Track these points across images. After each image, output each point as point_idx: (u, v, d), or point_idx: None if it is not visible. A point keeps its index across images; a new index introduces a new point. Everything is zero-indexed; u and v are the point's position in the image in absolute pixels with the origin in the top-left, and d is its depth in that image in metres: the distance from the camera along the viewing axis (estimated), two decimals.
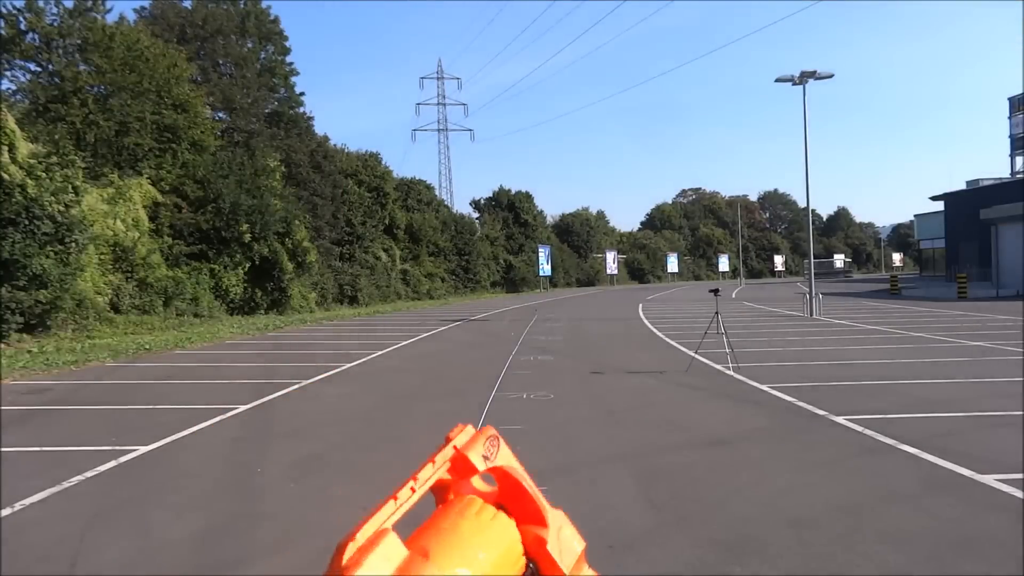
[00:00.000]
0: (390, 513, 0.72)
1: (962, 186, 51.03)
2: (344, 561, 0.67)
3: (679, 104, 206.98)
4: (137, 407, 9.02)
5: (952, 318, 19.66)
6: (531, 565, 0.81)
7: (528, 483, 0.83)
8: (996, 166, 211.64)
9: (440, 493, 0.82)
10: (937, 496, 4.93)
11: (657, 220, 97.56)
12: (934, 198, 51.93)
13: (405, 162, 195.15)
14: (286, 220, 27.33)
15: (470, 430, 0.84)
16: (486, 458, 0.81)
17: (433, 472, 0.77)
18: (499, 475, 0.83)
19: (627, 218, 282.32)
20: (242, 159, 27.48)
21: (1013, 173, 55.41)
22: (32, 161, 16.38)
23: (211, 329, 19.96)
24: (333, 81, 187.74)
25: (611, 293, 51.93)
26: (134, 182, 22.60)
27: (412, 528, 0.74)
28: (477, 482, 0.83)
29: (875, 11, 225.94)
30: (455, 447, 0.81)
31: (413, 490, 0.74)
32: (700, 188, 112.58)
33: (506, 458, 0.84)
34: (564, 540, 0.85)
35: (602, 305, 34.20)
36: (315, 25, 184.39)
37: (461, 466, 0.80)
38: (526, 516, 0.82)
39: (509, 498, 0.83)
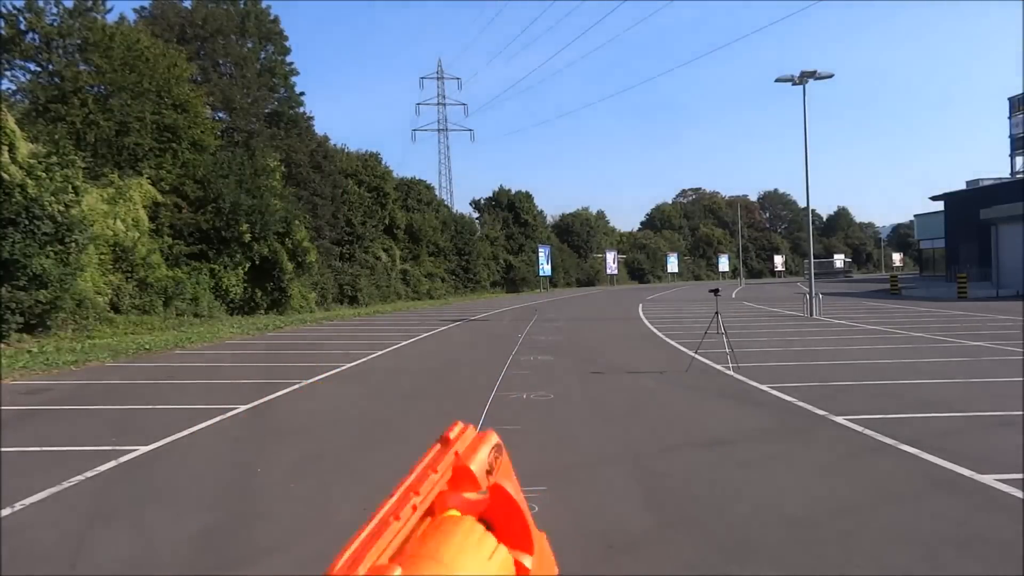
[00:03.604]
0: (394, 535, 0.63)
1: (962, 186, 51.06)
2: None
3: (679, 104, 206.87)
4: (137, 407, 9.02)
5: (952, 318, 19.66)
6: None
7: (524, 505, 0.74)
8: (996, 166, 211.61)
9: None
10: (937, 496, 4.93)
11: (657, 220, 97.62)
12: (934, 198, 51.97)
13: (405, 162, 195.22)
14: (286, 220, 27.34)
15: (471, 432, 0.75)
16: (489, 472, 0.74)
17: (435, 485, 0.68)
18: (495, 492, 0.76)
19: (627, 218, 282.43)
20: (242, 159, 27.48)
21: (1013, 173, 55.46)
22: (32, 161, 16.38)
23: (211, 329, 19.96)
24: (333, 81, 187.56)
25: (611, 293, 51.93)
26: (134, 182, 22.60)
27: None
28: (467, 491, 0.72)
29: (875, 11, 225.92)
30: (456, 453, 0.71)
31: (415, 508, 0.66)
32: (700, 188, 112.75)
33: (506, 473, 0.75)
34: (545, 567, 0.75)
35: (602, 305, 34.19)
36: (315, 25, 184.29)
37: (462, 479, 0.73)
38: (513, 539, 0.73)
39: (500, 517, 0.75)
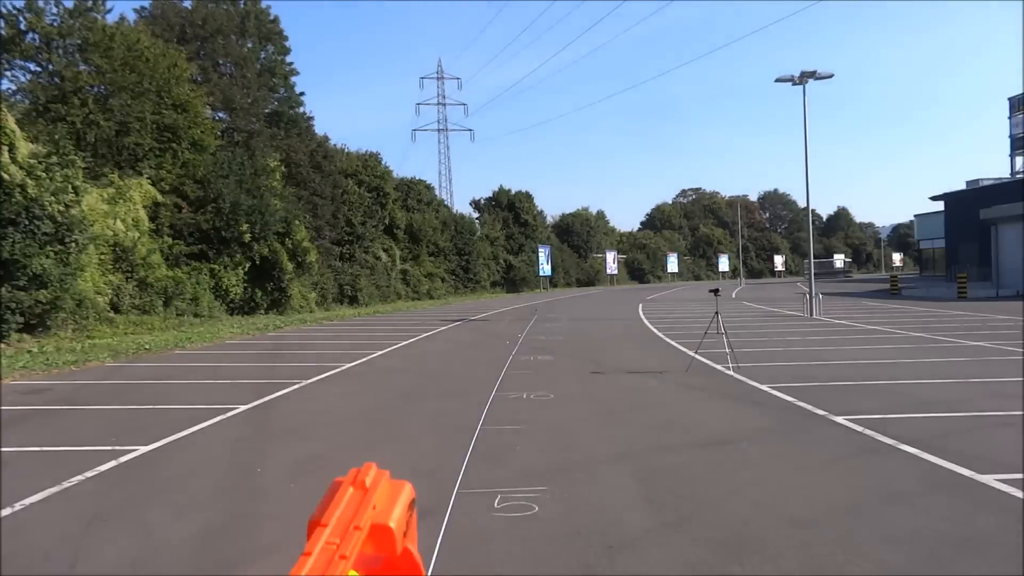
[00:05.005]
0: None
1: (962, 186, 51.08)
2: None
3: (679, 104, 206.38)
4: (137, 407, 9.02)
5: (952, 318, 19.66)
6: None
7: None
8: (996, 166, 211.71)
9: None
10: (937, 496, 4.93)
11: (657, 220, 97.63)
12: (934, 198, 52.02)
13: (405, 162, 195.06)
14: (286, 220, 27.33)
15: (386, 479, 0.67)
16: (405, 534, 0.65)
17: (358, 546, 0.60)
18: (405, 558, 0.66)
19: (627, 218, 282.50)
20: (242, 159, 27.47)
21: (1013, 173, 55.43)
22: (32, 161, 16.37)
23: (211, 329, 19.96)
24: (333, 81, 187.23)
25: (611, 293, 51.93)
26: (134, 182, 22.60)
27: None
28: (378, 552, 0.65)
29: (875, 10, 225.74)
30: (374, 506, 0.63)
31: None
32: (700, 188, 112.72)
33: (413, 534, 0.68)
34: None
35: (602, 305, 34.19)
36: (315, 25, 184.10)
37: (377, 539, 0.63)
38: None
39: None
